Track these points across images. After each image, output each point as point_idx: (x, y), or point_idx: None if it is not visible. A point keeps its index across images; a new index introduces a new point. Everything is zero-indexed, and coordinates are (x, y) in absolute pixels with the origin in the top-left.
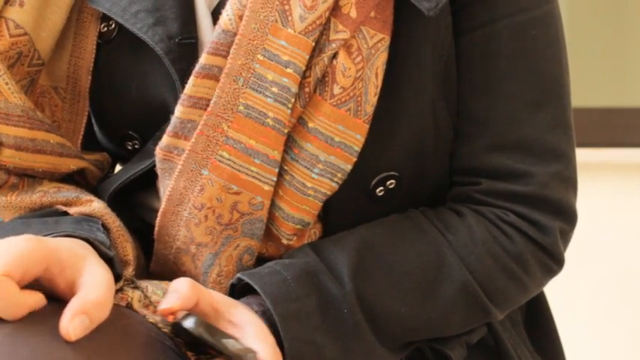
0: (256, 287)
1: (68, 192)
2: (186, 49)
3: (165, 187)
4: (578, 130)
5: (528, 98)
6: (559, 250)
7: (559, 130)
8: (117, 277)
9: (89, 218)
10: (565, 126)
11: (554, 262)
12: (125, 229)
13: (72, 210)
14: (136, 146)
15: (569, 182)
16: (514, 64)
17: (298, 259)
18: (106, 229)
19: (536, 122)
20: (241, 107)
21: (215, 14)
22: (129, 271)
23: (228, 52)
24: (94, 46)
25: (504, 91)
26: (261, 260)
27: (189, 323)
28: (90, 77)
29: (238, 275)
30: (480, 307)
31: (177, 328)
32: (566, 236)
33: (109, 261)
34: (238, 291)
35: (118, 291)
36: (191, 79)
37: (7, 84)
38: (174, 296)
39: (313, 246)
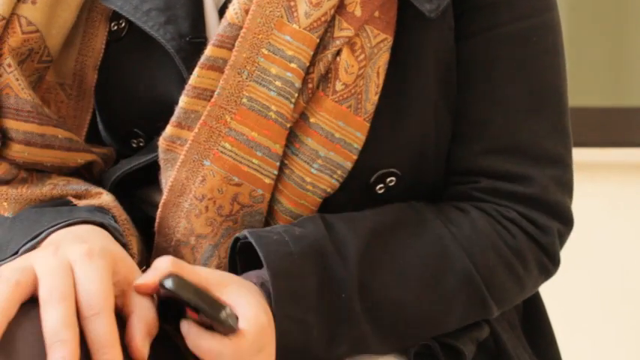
0: (261, 255)
1: (77, 185)
2: (196, 47)
3: (167, 178)
4: (578, 130)
5: (526, 104)
6: (556, 250)
7: (556, 136)
8: None
9: (101, 209)
10: (562, 132)
11: (550, 262)
12: (131, 223)
13: (82, 202)
14: (141, 144)
15: (566, 187)
16: (514, 70)
17: (309, 232)
18: (114, 221)
19: (533, 127)
20: (245, 100)
21: (222, 13)
22: None
23: (233, 45)
24: (103, 45)
25: (503, 96)
26: None
27: (168, 282)
28: (96, 75)
29: (245, 233)
30: (480, 301)
31: (161, 298)
32: (562, 238)
33: (123, 247)
34: (240, 250)
35: None
36: (196, 70)
37: (17, 80)
38: (152, 272)
39: (325, 220)
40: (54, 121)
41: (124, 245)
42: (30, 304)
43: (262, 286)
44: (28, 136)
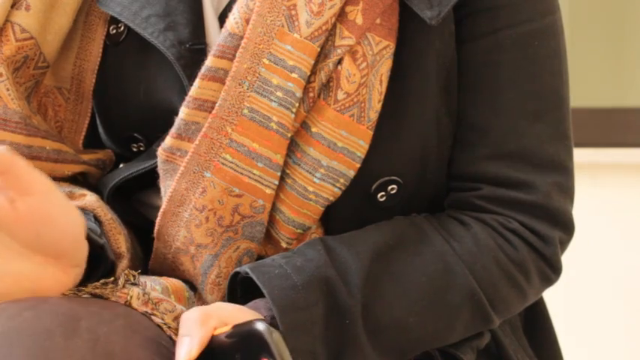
0: (265, 292)
1: (62, 187)
2: (196, 54)
3: (167, 187)
4: (578, 130)
5: (528, 108)
6: (558, 259)
7: (558, 141)
8: (110, 266)
9: (82, 209)
10: (564, 137)
11: (552, 272)
12: (118, 222)
13: None
14: (141, 148)
15: (568, 193)
16: (515, 75)
17: (310, 260)
18: (98, 221)
19: (535, 132)
20: (246, 111)
21: (222, 19)
22: (123, 264)
23: (234, 55)
24: (101, 49)
25: (505, 101)
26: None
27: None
28: (94, 79)
29: (247, 269)
30: (483, 315)
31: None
32: (563, 246)
33: (100, 248)
34: (241, 279)
35: (114, 285)
36: (197, 81)
37: (7, 90)
38: (189, 343)
39: (326, 244)
40: (42, 132)
41: (101, 246)
42: (24, 305)
43: (272, 319)
44: (15, 147)
